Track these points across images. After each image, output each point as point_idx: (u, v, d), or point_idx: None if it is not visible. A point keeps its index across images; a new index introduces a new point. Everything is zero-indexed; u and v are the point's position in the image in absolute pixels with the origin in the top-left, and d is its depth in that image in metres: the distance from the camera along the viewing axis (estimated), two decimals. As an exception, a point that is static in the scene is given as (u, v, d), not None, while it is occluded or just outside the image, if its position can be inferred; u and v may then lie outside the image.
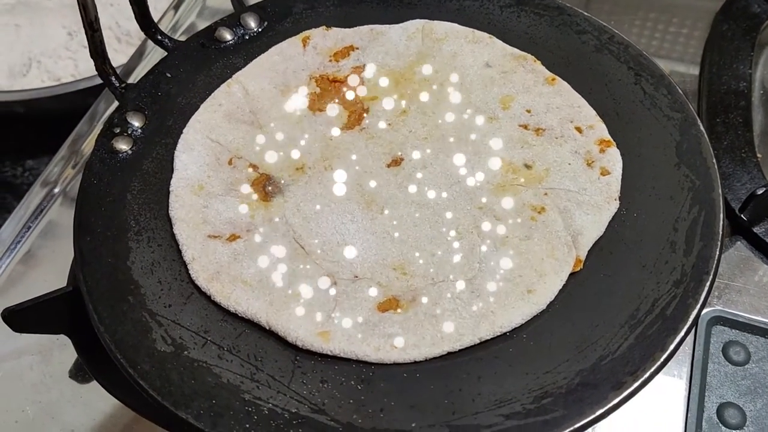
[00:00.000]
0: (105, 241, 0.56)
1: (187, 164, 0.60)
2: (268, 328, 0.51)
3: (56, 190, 0.81)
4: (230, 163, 0.61)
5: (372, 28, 0.69)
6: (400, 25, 0.69)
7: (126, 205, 0.58)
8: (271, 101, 0.65)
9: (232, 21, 0.71)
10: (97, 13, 0.60)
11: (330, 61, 0.68)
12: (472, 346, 0.50)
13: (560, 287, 0.52)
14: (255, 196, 0.59)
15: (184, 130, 0.62)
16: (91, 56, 0.64)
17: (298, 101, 0.65)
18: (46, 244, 0.76)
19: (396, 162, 0.60)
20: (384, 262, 0.54)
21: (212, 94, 0.65)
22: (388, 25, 0.69)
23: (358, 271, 0.54)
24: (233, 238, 0.56)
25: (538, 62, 0.65)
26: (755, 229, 0.66)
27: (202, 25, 0.96)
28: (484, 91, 0.64)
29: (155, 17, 0.97)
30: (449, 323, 0.50)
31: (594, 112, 0.61)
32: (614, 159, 0.58)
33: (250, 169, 0.60)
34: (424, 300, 0.52)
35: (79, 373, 0.63)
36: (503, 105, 0.62)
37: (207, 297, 0.53)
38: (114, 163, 0.61)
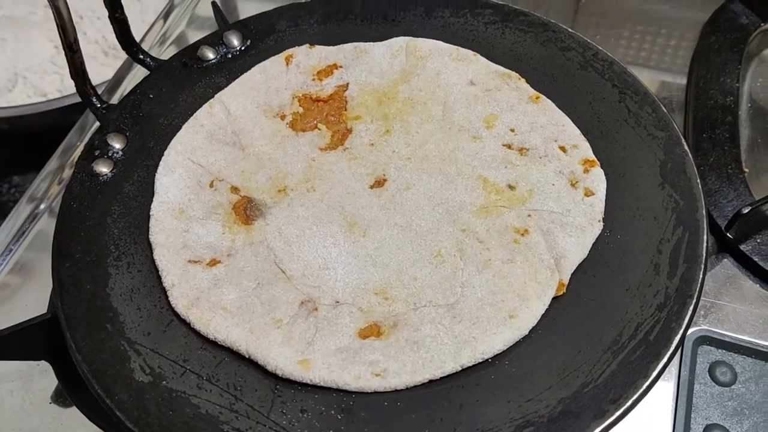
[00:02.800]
0: (84, 266, 0.55)
1: (168, 187, 0.60)
2: (247, 356, 0.51)
3: (42, 207, 0.80)
4: (211, 185, 0.60)
5: (356, 45, 0.69)
6: (384, 42, 0.69)
7: (106, 230, 0.58)
8: (253, 122, 0.64)
9: (215, 39, 0.70)
10: (76, 34, 0.60)
11: (313, 79, 0.67)
12: (454, 373, 0.50)
13: (543, 312, 0.52)
14: (236, 220, 0.58)
15: (165, 152, 0.62)
16: (72, 77, 0.63)
17: (280, 121, 0.64)
18: (32, 261, 0.75)
19: (379, 183, 0.60)
20: (366, 286, 0.54)
21: (194, 115, 0.65)
22: (372, 43, 0.69)
23: (339, 296, 0.53)
24: (213, 263, 0.55)
25: (523, 80, 0.64)
26: (742, 247, 0.65)
27: (192, 35, 0.95)
28: (467, 109, 0.63)
29: (143, 30, 0.98)
30: (430, 350, 0.50)
31: (578, 131, 0.61)
32: (598, 179, 0.58)
33: (232, 192, 0.60)
34: (406, 325, 0.51)
35: (60, 398, 0.62)
36: (487, 124, 0.62)
37: (186, 324, 0.53)
38: (94, 186, 0.60)
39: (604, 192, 0.57)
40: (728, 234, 0.65)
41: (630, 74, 0.64)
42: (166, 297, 0.54)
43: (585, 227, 0.55)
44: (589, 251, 0.55)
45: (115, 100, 0.85)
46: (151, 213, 0.58)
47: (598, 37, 0.91)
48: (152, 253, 0.56)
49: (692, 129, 0.74)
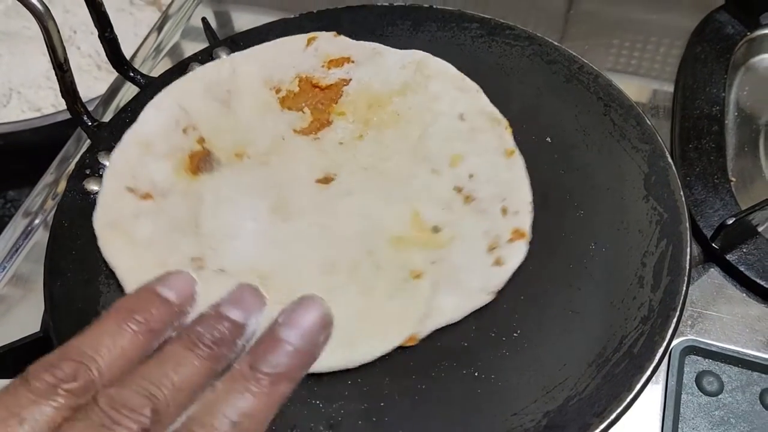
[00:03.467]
0: (76, 285, 0.56)
1: (148, 119, 0.64)
2: (121, 283, 0.54)
3: (37, 221, 0.81)
4: (185, 131, 0.63)
5: (375, 47, 0.70)
6: (402, 51, 0.69)
7: (97, 248, 0.58)
8: (250, 87, 0.67)
9: (205, 56, 0.71)
10: (66, 55, 0.61)
11: (323, 66, 0.69)
12: (439, 386, 0.50)
13: (383, 353, 0.51)
14: (187, 167, 0.61)
15: (164, 90, 0.66)
16: (63, 96, 0.64)
17: (273, 94, 0.67)
18: (28, 274, 0.76)
19: (326, 180, 0.61)
20: (254, 266, 0.56)
21: (204, 66, 0.68)
22: (391, 48, 0.69)
23: (225, 265, 0.55)
24: (146, 196, 0.59)
25: (509, 130, 0.63)
26: (728, 257, 0.66)
27: (186, 46, 0.96)
28: (443, 142, 0.63)
29: (136, 43, 0.99)
30: None
31: (530, 199, 0.59)
32: (516, 253, 0.56)
33: (197, 142, 0.63)
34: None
35: (54, 415, 0.63)
36: (452, 162, 0.62)
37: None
38: (85, 205, 0.61)
39: (514, 268, 0.55)
40: (713, 244, 0.65)
41: (615, 87, 0.65)
42: (157, 314, 0.55)
43: (473, 294, 0.54)
44: (575, 264, 0.56)
45: (109, 114, 0.86)
46: (122, 137, 0.62)
47: (587, 47, 0.92)
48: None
49: (678, 139, 0.74)
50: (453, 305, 0.54)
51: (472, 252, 0.56)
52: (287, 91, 0.67)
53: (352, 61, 0.69)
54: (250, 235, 0.58)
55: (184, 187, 0.60)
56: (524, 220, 0.58)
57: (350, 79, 0.68)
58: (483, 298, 0.54)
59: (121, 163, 0.61)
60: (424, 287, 0.54)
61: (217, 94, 0.66)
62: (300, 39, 0.70)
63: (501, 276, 0.55)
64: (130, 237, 0.57)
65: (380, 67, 0.68)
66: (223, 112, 0.65)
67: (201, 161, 0.61)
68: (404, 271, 0.55)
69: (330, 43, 0.70)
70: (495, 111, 0.65)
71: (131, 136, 0.63)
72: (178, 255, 0.56)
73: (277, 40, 0.70)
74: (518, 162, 0.62)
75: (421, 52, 0.69)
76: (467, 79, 0.67)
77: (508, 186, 0.60)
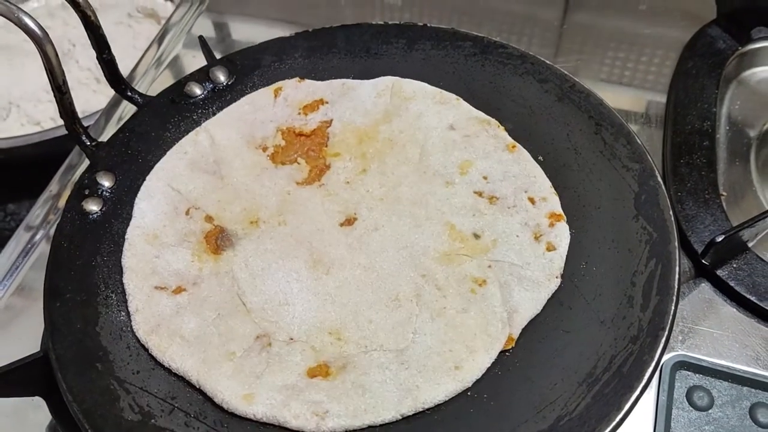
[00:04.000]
0: (74, 306, 0.57)
1: (146, 212, 0.62)
2: (198, 386, 0.52)
3: (38, 236, 0.82)
4: (187, 213, 0.62)
5: (344, 82, 0.70)
6: (372, 81, 0.70)
7: (96, 268, 0.59)
8: (235, 152, 0.66)
9: (202, 75, 0.72)
10: (65, 77, 0.62)
11: (299, 113, 0.69)
12: (433, 407, 0.51)
13: (488, 365, 0.52)
14: (206, 249, 0.60)
15: (148, 177, 0.64)
16: (61, 117, 0.65)
17: (261, 153, 0.66)
18: (32, 284, 0.77)
19: (349, 221, 0.61)
20: (321, 325, 0.55)
21: (179, 142, 0.67)
22: (360, 81, 0.70)
23: (294, 333, 0.55)
24: (179, 290, 0.57)
25: (502, 128, 0.65)
26: (718, 272, 0.67)
27: (186, 58, 0.97)
28: (444, 154, 0.64)
29: (136, 56, 1.00)
30: (375, 396, 0.51)
31: (549, 184, 0.62)
32: (562, 234, 0.58)
33: (206, 221, 0.62)
34: (354, 368, 0.52)
35: (54, 432, 0.64)
36: (461, 170, 0.63)
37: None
38: (84, 225, 0.62)
39: (566, 248, 0.58)
40: (704, 261, 0.66)
41: (606, 106, 0.66)
42: (154, 334, 0.55)
43: (542, 282, 0.56)
44: (566, 283, 0.57)
45: (108, 130, 0.87)
46: (126, 237, 0.60)
47: (581, 59, 0.93)
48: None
49: (670, 154, 0.75)
50: (529, 298, 0.55)
51: (521, 245, 0.58)
52: (274, 146, 0.67)
53: (326, 102, 0.69)
54: (301, 296, 0.57)
55: (211, 270, 0.59)
56: (554, 203, 0.60)
57: (331, 120, 0.68)
58: (554, 283, 0.56)
59: (135, 263, 0.58)
60: (494, 291, 0.56)
61: (205, 167, 0.65)
62: (266, 93, 0.70)
63: (559, 259, 0.57)
64: (181, 336, 0.54)
65: (355, 101, 0.69)
66: (218, 184, 0.64)
67: (219, 239, 0.60)
68: (466, 283, 0.56)
69: (297, 89, 0.70)
70: (480, 114, 0.67)
71: (134, 233, 0.60)
72: (239, 339, 0.55)
73: (242, 99, 0.70)
74: (523, 154, 0.64)
75: (389, 77, 0.70)
76: (444, 92, 0.69)
77: (524, 178, 0.62)
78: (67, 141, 0.92)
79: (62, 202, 0.83)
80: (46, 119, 1.04)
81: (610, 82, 0.92)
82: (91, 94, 1.06)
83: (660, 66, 0.92)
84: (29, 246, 0.80)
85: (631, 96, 0.90)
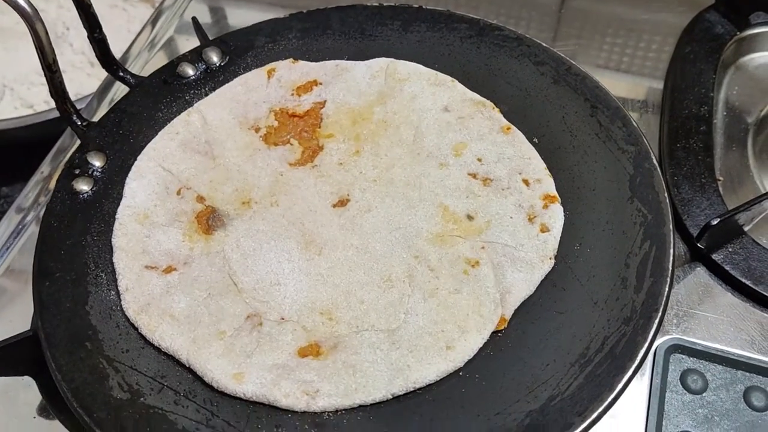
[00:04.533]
0: (64, 285, 0.56)
1: (136, 192, 0.61)
2: (188, 365, 0.52)
3: (29, 217, 0.81)
4: (179, 193, 0.62)
5: (338, 63, 0.70)
6: (366, 62, 0.70)
7: (86, 248, 0.59)
8: (227, 132, 0.65)
9: (194, 56, 0.71)
10: (55, 55, 0.61)
11: (292, 94, 0.68)
12: (425, 386, 0.51)
13: (480, 345, 0.52)
14: (197, 229, 0.59)
15: (139, 157, 0.63)
16: (52, 96, 0.64)
17: (254, 134, 0.66)
18: (21, 267, 0.76)
19: (342, 202, 0.61)
20: (313, 305, 0.55)
21: (171, 122, 0.66)
22: (354, 62, 0.70)
23: (285, 313, 0.54)
24: (169, 270, 0.57)
25: (497, 110, 0.65)
26: (713, 256, 0.66)
27: (180, 40, 0.96)
28: (438, 136, 0.64)
29: (129, 39, 0.99)
30: (365, 375, 0.51)
31: (543, 165, 0.61)
32: (556, 216, 0.58)
33: (197, 201, 0.61)
34: (345, 348, 0.52)
35: (44, 412, 0.63)
36: (455, 152, 0.63)
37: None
38: (74, 205, 0.61)
39: (560, 229, 0.58)
40: (699, 244, 0.66)
41: (602, 89, 0.65)
42: (144, 313, 0.55)
43: (535, 264, 0.56)
44: (560, 264, 0.56)
45: (100, 111, 0.86)
46: (116, 216, 0.60)
47: (578, 44, 0.92)
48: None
49: (667, 138, 0.75)
50: (523, 279, 0.55)
51: (515, 227, 0.58)
52: (267, 127, 0.66)
53: (320, 83, 0.69)
54: (293, 276, 0.56)
55: (202, 250, 0.58)
56: (549, 185, 0.60)
57: (324, 101, 0.67)
58: (547, 264, 0.56)
59: (125, 243, 0.58)
60: (487, 272, 0.55)
61: (197, 147, 0.64)
62: (259, 74, 0.69)
63: (552, 240, 0.57)
64: (171, 315, 0.54)
65: (349, 83, 0.68)
66: (209, 164, 0.63)
67: (210, 219, 0.60)
68: (459, 264, 0.56)
69: (290, 70, 0.69)
70: (476, 96, 0.66)
71: (125, 213, 0.60)
72: (230, 318, 0.54)
73: (235, 80, 0.69)
74: (518, 135, 0.63)
75: (384, 59, 0.70)
76: (439, 74, 0.68)
77: (519, 160, 0.62)
78: (60, 123, 0.92)
79: (53, 184, 0.82)
80: (40, 102, 1.03)
81: (607, 68, 0.91)
82: (84, 78, 1.05)
83: (658, 52, 0.91)
84: (20, 227, 0.79)
85: (628, 82, 0.89)
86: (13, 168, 1.03)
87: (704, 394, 0.61)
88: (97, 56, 0.68)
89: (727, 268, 0.66)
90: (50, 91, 0.63)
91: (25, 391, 0.64)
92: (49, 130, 0.92)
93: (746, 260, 0.66)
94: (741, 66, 0.86)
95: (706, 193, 0.70)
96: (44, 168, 0.85)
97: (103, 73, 1.02)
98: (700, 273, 0.68)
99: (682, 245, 0.68)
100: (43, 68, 0.61)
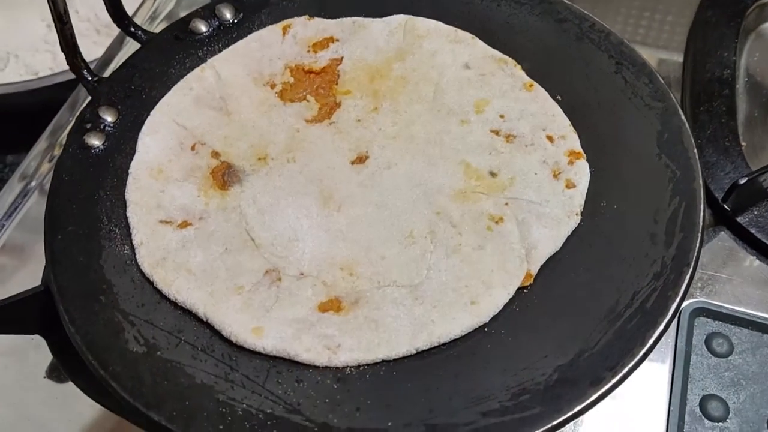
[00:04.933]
0: (77, 239, 0.55)
1: (150, 147, 0.60)
2: (205, 320, 0.51)
3: (33, 184, 0.80)
4: (193, 148, 0.60)
5: (355, 20, 0.68)
6: (384, 19, 0.68)
7: (98, 202, 0.57)
8: (242, 88, 0.64)
9: (207, 12, 0.69)
10: (66, 5, 0.59)
11: (308, 51, 0.67)
12: (449, 342, 0.50)
13: (506, 301, 0.51)
14: (213, 184, 0.58)
15: (152, 113, 0.62)
16: (62, 50, 0.62)
17: (269, 90, 0.64)
18: (23, 240, 0.75)
19: (361, 159, 0.59)
20: (332, 261, 0.53)
21: (184, 78, 0.64)
22: (371, 19, 0.68)
23: (304, 269, 0.53)
24: (184, 225, 0.55)
25: (519, 67, 0.63)
26: (739, 219, 0.65)
27: (184, 10, 0.94)
28: (459, 93, 0.62)
29: (134, 6, 0.97)
30: (388, 330, 0.49)
31: (568, 122, 0.59)
32: (581, 172, 0.56)
33: (212, 157, 0.60)
34: (367, 303, 0.51)
35: (54, 373, 0.62)
36: (477, 108, 0.61)
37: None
38: (86, 159, 0.59)
39: (586, 185, 0.56)
40: (725, 206, 0.65)
41: (627, 45, 0.64)
42: (159, 266, 0.53)
43: (561, 219, 0.54)
44: (586, 221, 0.55)
45: (106, 74, 0.85)
46: (129, 171, 0.58)
47: (596, 10, 0.90)
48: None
49: (689, 102, 0.73)
50: (548, 236, 0.53)
51: (540, 183, 0.56)
52: (282, 83, 0.64)
53: (336, 40, 0.67)
54: (312, 233, 0.55)
55: (218, 205, 0.57)
56: (573, 141, 0.58)
57: (341, 58, 0.66)
58: (573, 220, 0.54)
59: (139, 197, 0.56)
60: (511, 228, 0.54)
61: (211, 102, 0.63)
62: (274, 30, 0.67)
63: (578, 196, 0.55)
64: (187, 270, 0.52)
65: (367, 39, 0.66)
66: (224, 120, 0.62)
67: (226, 175, 0.58)
68: (482, 220, 0.54)
69: (306, 27, 0.67)
70: (497, 53, 0.64)
71: (138, 167, 0.58)
72: (247, 274, 0.53)
73: (249, 36, 0.67)
74: (541, 92, 0.61)
75: (402, 15, 0.68)
76: (459, 31, 0.66)
77: (543, 116, 0.60)
78: (66, 90, 0.91)
79: (56, 152, 0.81)
80: (45, 69, 1.01)
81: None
82: (91, 45, 1.03)
83: (674, 24, 0.90)
84: (22, 195, 0.78)
85: (645, 54, 0.87)
86: (18, 136, 1.01)
87: (730, 358, 0.60)
88: (108, 10, 0.66)
89: (752, 230, 0.65)
90: (60, 44, 0.62)
91: (35, 351, 0.63)
92: (54, 97, 0.90)
93: (772, 223, 0.65)
94: (762, 33, 0.85)
95: (730, 156, 0.69)
96: (47, 137, 0.83)
97: (110, 41, 1.01)
98: (724, 237, 0.67)
99: (707, 209, 0.67)
100: (53, 18, 0.59)
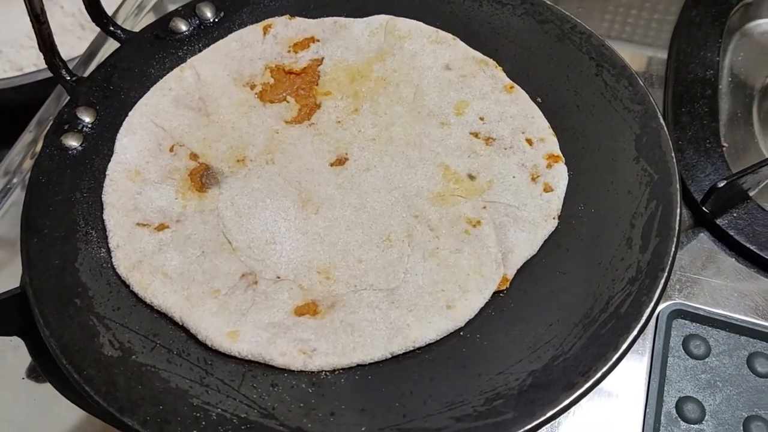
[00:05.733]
0: (53, 242, 0.55)
1: (128, 148, 0.59)
2: (181, 323, 0.50)
3: (15, 180, 0.79)
4: (171, 150, 0.60)
5: (336, 20, 0.68)
6: (365, 19, 0.68)
7: (75, 204, 0.57)
8: (222, 89, 0.63)
9: (188, 11, 0.69)
10: (42, 5, 0.59)
11: (288, 51, 0.66)
12: (425, 346, 0.50)
13: (482, 305, 0.51)
14: (190, 186, 0.58)
15: (130, 113, 0.61)
16: (40, 49, 0.62)
17: (249, 91, 0.64)
18: (5, 235, 0.75)
19: (340, 161, 0.59)
20: (309, 264, 0.53)
21: (164, 78, 0.64)
22: (352, 19, 0.68)
23: (281, 272, 0.53)
24: (161, 227, 0.55)
25: (499, 68, 0.63)
26: (718, 221, 0.65)
27: (169, 4, 0.94)
28: (440, 94, 0.62)
29: (118, 2, 0.96)
30: (364, 334, 0.49)
31: (547, 125, 0.59)
32: (560, 175, 0.56)
33: (191, 158, 0.59)
34: (343, 307, 0.51)
35: (33, 374, 0.62)
36: (457, 111, 0.61)
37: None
38: (63, 161, 0.59)
39: (564, 189, 0.56)
40: (704, 208, 0.65)
41: (608, 47, 0.64)
42: (135, 270, 0.53)
43: (538, 223, 0.54)
44: (563, 225, 0.55)
45: (88, 73, 0.84)
46: (106, 173, 0.58)
47: (581, 10, 0.90)
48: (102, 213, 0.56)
49: (672, 102, 0.73)
50: (525, 239, 0.53)
51: (518, 187, 0.56)
52: (262, 84, 0.64)
53: (317, 40, 0.66)
54: (290, 235, 0.55)
55: (196, 208, 0.56)
56: (552, 145, 0.58)
57: (322, 58, 0.65)
58: (551, 224, 0.54)
59: (116, 199, 0.56)
60: (488, 232, 0.54)
61: (190, 103, 0.62)
62: (255, 29, 0.67)
63: (556, 200, 0.55)
64: (164, 273, 0.52)
65: (348, 40, 0.66)
66: (203, 121, 0.61)
67: (204, 177, 0.58)
68: (460, 224, 0.54)
69: (287, 27, 0.67)
70: (478, 54, 0.64)
71: (116, 169, 0.58)
72: (224, 277, 0.53)
73: (229, 36, 0.67)
74: (521, 94, 0.61)
75: (383, 15, 0.67)
76: (440, 32, 0.66)
77: (522, 119, 0.60)
78: (50, 86, 0.90)
79: (39, 147, 0.80)
80: (29, 65, 1.01)
81: (609, 37, 0.89)
82: (75, 41, 1.03)
83: (660, 22, 0.90)
84: (4, 192, 0.77)
85: (630, 52, 0.88)
86: (1, 133, 1.01)
87: (707, 360, 0.60)
88: (86, 9, 0.66)
89: (731, 233, 0.65)
90: (38, 44, 0.61)
91: (13, 352, 0.63)
92: (39, 93, 0.89)
93: (751, 225, 0.65)
94: (746, 32, 0.85)
95: (711, 158, 0.69)
96: (30, 132, 0.83)
97: (95, 37, 1.01)
98: (704, 239, 0.67)
99: (686, 211, 0.67)
100: (30, 18, 0.59)
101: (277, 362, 0.48)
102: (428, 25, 0.67)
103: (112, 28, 0.67)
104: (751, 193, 0.67)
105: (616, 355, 0.47)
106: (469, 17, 0.68)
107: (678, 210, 0.53)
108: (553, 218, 0.55)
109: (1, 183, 0.78)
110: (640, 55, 0.87)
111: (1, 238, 0.74)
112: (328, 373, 0.49)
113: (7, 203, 0.76)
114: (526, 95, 0.62)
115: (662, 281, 0.50)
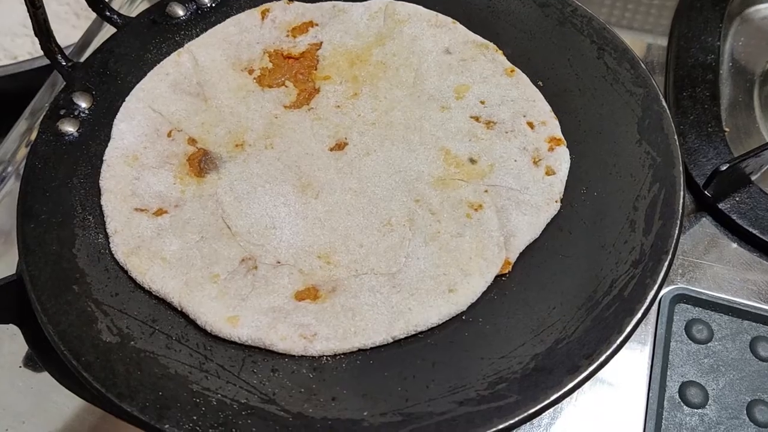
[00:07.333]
0: (50, 228, 0.54)
1: (125, 133, 0.59)
2: (180, 309, 0.50)
3: (9, 169, 0.78)
4: (169, 135, 0.59)
5: (335, 4, 0.67)
6: (364, 3, 0.67)
7: (72, 190, 0.56)
8: (220, 74, 0.63)
9: (185, -5, 0.68)
10: (37, -11, 0.58)
11: (287, 35, 0.66)
12: (426, 330, 0.49)
13: (484, 289, 0.50)
14: (189, 171, 0.57)
15: (127, 99, 0.61)
16: (36, 35, 0.61)
17: (247, 76, 0.63)
18: (1, 224, 0.74)
19: (339, 146, 0.58)
20: (310, 249, 0.53)
21: (161, 63, 0.63)
22: (351, 3, 0.67)
23: (281, 257, 0.52)
24: (160, 212, 0.55)
25: (500, 52, 0.63)
26: (720, 206, 0.65)
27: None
28: (439, 78, 0.61)
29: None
30: (365, 318, 0.49)
31: (548, 108, 0.59)
32: (561, 158, 0.56)
33: (189, 143, 0.59)
34: (344, 291, 0.50)
35: (30, 363, 0.61)
36: (457, 94, 0.60)
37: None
38: (60, 146, 0.58)
39: (566, 172, 0.56)
40: (706, 192, 0.64)
41: (609, 30, 0.63)
42: (134, 256, 0.53)
43: (540, 206, 0.54)
44: (565, 208, 0.54)
45: (83, 59, 0.83)
46: (104, 158, 0.57)
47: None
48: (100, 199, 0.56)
49: (673, 87, 0.73)
50: (527, 222, 0.53)
51: (519, 170, 0.56)
52: (261, 69, 0.63)
53: (316, 24, 0.66)
54: (289, 220, 0.54)
55: (194, 193, 0.56)
56: (554, 128, 0.58)
57: (321, 42, 0.65)
58: (553, 207, 0.54)
59: (114, 185, 0.56)
60: (490, 216, 0.53)
61: (188, 88, 0.62)
62: (253, 14, 0.66)
63: (558, 183, 0.55)
64: (162, 258, 0.52)
65: (347, 24, 0.65)
66: (201, 106, 0.61)
67: (202, 162, 0.57)
68: (461, 208, 0.54)
69: (285, 11, 0.66)
70: (478, 38, 0.64)
71: (113, 154, 0.57)
72: (223, 262, 0.52)
73: (227, 20, 0.66)
74: (522, 78, 0.61)
75: None
76: (440, 15, 0.65)
77: (523, 102, 0.59)
78: (45, 74, 0.89)
79: (34, 136, 0.79)
80: (24, 54, 0.99)
81: (609, 23, 0.87)
82: (70, 29, 1.02)
83: (660, 8, 0.89)
84: (2, 176, 0.77)
85: (630, 38, 0.86)
86: (-3, 122, 1.00)
87: (710, 344, 0.60)
88: (82, -6, 0.65)
89: (733, 217, 0.64)
90: (34, 29, 0.61)
91: (10, 340, 0.62)
92: (33, 81, 0.88)
93: (753, 209, 0.65)
94: (747, 17, 0.84)
95: (713, 142, 0.68)
96: (24, 119, 0.82)
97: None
98: (706, 223, 0.66)
99: (688, 195, 0.67)
100: (26, 2, 0.58)
101: (277, 347, 0.48)
102: (428, 9, 0.66)
103: (108, 14, 0.66)
104: (753, 177, 0.66)
105: (620, 338, 0.47)
106: (469, 1, 0.67)
107: (681, 192, 0.53)
108: (556, 201, 0.54)
109: (-3, 169, 0.77)
110: (640, 42, 0.86)
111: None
112: (329, 358, 0.48)
113: (1, 193, 0.75)
114: (527, 79, 0.61)
115: (666, 263, 0.50)
